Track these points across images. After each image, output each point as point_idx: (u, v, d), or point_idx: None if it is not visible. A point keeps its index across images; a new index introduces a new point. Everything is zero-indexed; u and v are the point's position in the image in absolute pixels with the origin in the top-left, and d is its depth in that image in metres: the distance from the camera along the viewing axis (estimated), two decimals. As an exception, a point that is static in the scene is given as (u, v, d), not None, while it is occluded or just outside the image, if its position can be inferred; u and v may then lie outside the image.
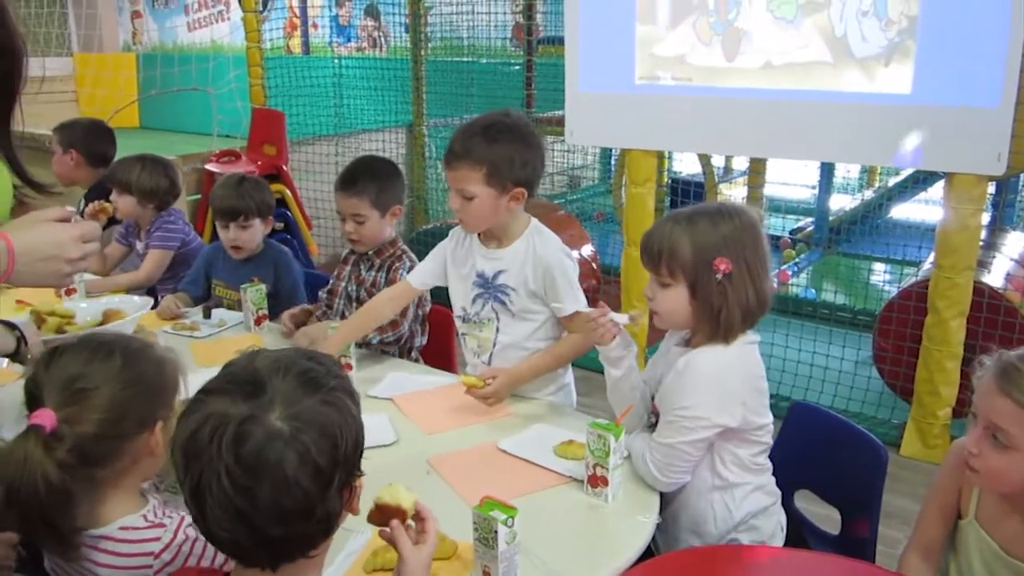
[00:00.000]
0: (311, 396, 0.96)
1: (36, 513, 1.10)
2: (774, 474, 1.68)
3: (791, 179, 7.18)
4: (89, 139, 3.27)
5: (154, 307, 3.02)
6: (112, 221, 3.05)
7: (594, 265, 4.70)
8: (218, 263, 2.75)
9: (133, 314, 2.24)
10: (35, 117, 7.86)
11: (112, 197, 2.93)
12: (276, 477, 0.91)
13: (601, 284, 4.58)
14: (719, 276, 1.51)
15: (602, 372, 1.76)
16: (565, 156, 6.70)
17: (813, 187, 6.60)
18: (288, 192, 4.70)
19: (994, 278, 3.32)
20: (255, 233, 2.67)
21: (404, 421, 1.90)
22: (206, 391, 0.98)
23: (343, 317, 2.47)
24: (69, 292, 2.72)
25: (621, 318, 1.67)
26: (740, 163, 6.75)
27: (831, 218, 5.74)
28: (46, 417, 1.13)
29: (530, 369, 1.99)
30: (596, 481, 1.54)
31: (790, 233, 5.89)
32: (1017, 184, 4.91)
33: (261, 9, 9.44)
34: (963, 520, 1.44)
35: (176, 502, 1.36)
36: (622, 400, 1.70)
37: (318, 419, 0.95)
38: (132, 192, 2.90)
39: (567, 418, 1.91)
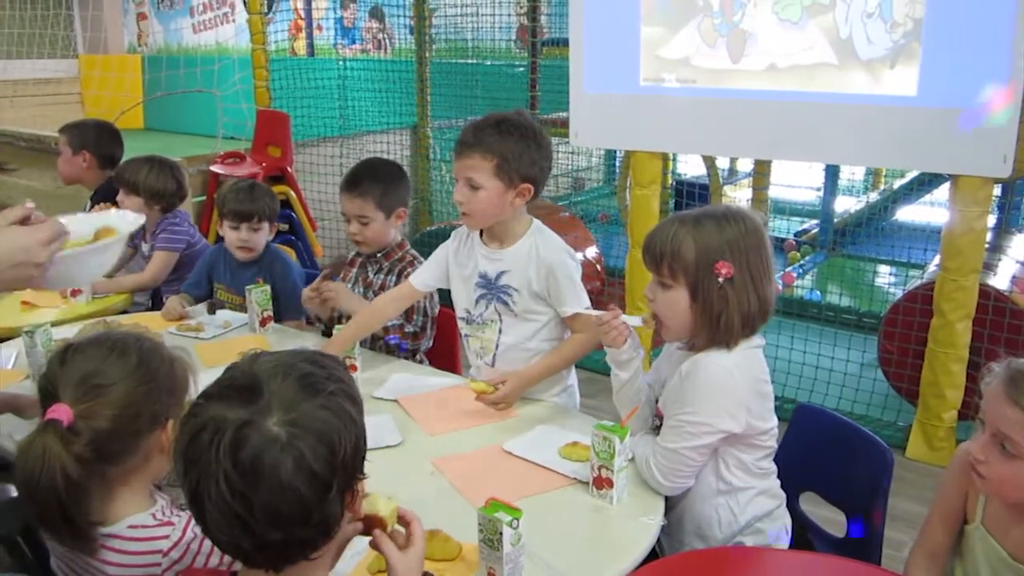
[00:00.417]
0: (310, 400, 0.96)
1: (54, 506, 1.11)
2: (779, 476, 1.68)
3: (796, 181, 7.17)
4: (101, 141, 3.28)
5: (155, 308, 3.05)
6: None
7: (598, 267, 4.70)
8: (220, 266, 2.75)
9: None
10: (40, 119, 7.88)
11: (119, 198, 2.94)
12: (272, 483, 0.91)
13: (605, 286, 4.57)
14: (720, 280, 1.51)
15: (606, 374, 1.75)
16: (570, 158, 6.71)
17: (818, 189, 6.60)
18: (293, 194, 4.71)
19: (1000, 280, 3.31)
20: (263, 236, 2.70)
21: (409, 422, 1.90)
22: (206, 396, 0.98)
23: (350, 319, 2.47)
24: (75, 294, 2.74)
25: (633, 320, 1.67)
26: (744, 165, 6.75)
27: (836, 220, 5.73)
28: (63, 412, 1.14)
29: (539, 371, 1.98)
30: (601, 483, 1.54)
31: (795, 235, 5.89)
32: (1023, 186, 4.90)
33: (266, 11, 9.47)
34: (969, 525, 1.44)
35: (178, 496, 1.37)
36: (628, 402, 1.70)
37: (316, 425, 0.94)
38: (139, 193, 2.91)
39: (572, 420, 1.91)
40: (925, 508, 1.65)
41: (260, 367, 0.98)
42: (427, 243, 4.38)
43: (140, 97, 8.31)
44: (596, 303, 1.92)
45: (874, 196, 6.29)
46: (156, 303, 3.10)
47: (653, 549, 1.48)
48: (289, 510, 0.92)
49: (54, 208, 4.38)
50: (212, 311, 2.58)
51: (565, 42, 6.06)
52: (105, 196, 3.16)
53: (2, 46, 8.09)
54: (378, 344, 2.38)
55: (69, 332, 2.28)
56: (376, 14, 8.66)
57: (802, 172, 6.81)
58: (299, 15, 8.48)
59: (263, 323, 2.47)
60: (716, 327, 1.52)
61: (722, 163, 6.29)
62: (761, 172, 4.61)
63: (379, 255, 2.44)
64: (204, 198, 4.74)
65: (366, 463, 1.03)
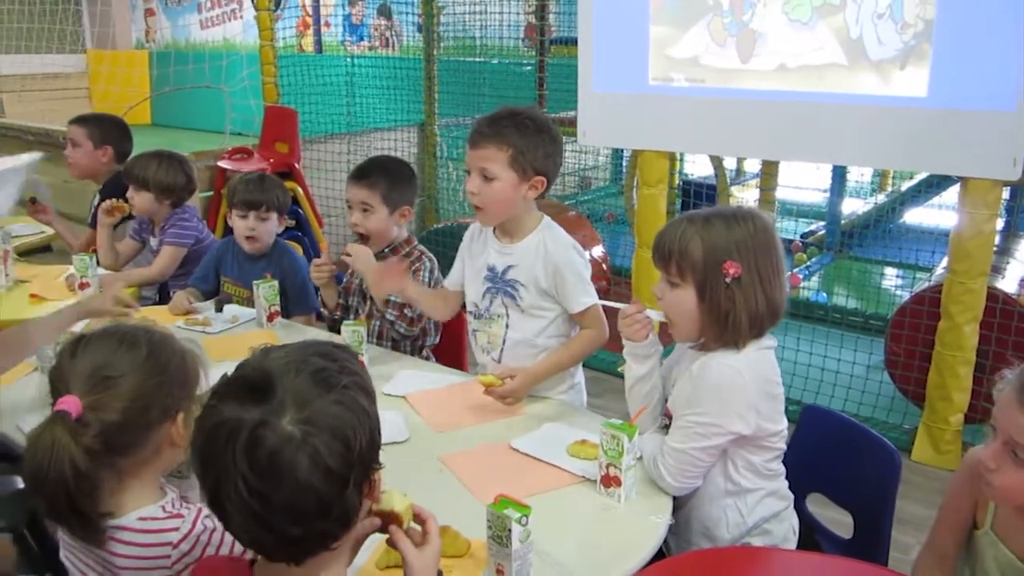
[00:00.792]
0: (323, 396, 0.96)
1: (62, 498, 1.11)
2: (786, 477, 1.68)
3: (803, 183, 7.15)
4: (122, 137, 3.30)
5: (162, 302, 3.05)
6: (125, 217, 3.06)
7: (604, 266, 4.69)
8: (228, 260, 2.76)
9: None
10: (49, 113, 7.88)
11: (128, 193, 2.94)
12: (289, 482, 0.92)
13: (611, 285, 4.57)
14: (727, 280, 1.51)
15: (611, 373, 1.76)
16: (577, 157, 6.70)
17: (825, 191, 6.58)
18: (300, 190, 4.71)
19: (1008, 283, 3.30)
20: (271, 227, 2.70)
21: (416, 419, 1.90)
22: (219, 394, 0.98)
23: (357, 315, 2.48)
24: (83, 286, 2.74)
25: (656, 315, 1.67)
26: (752, 165, 6.74)
27: (843, 222, 5.72)
28: (72, 403, 1.14)
29: (547, 367, 1.99)
30: (609, 481, 1.54)
31: (801, 236, 5.87)
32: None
33: (274, 8, 9.47)
34: (979, 530, 1.43)
35: (183, 487, 1.37)
36: (641, 399, 1.70)
37: (330, 421, 0.95)
38: (149, 188, 2.91)
39: (579, 417, 1.91)
40: (930, 511, 1.64)
41: (272, 363, 0.98)
42: (433, 241, 4.38)
43: (148, 92, 8.33)
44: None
45: (881, 198, 6.28)
46: (163, 297, 3.10)
47: (660, 548, 1.48)
48: (307, 506, 0.93)
49: (64, 203, 4.39)
50: (219, 308, 2.57)
51: (573, 41, 6.08)
52: (114, 190, 3.17)
53: (11, 40, 8.12)
54: (375, 324, 2.39)
55: (77, 325, 2.30)
56: (384, 11, 8.67)
57: (809, 173, 6.80)
58: (307, 12, 8.49)
59: (270, 318, 2.47)
60: (724, 327, 1.52)
61: (729, 163, 6.28)
62: (769, 173, 4.60)
63: (387, 250, 2.44)
64: (211, 193, 4.74)
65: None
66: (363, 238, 2.41)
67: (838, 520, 1.86)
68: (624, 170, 7.92)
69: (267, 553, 0.99)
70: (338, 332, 2.56)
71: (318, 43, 8.63)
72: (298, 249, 3.64)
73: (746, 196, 6.41)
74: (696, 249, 1.53)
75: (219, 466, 0.93)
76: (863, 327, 4.08)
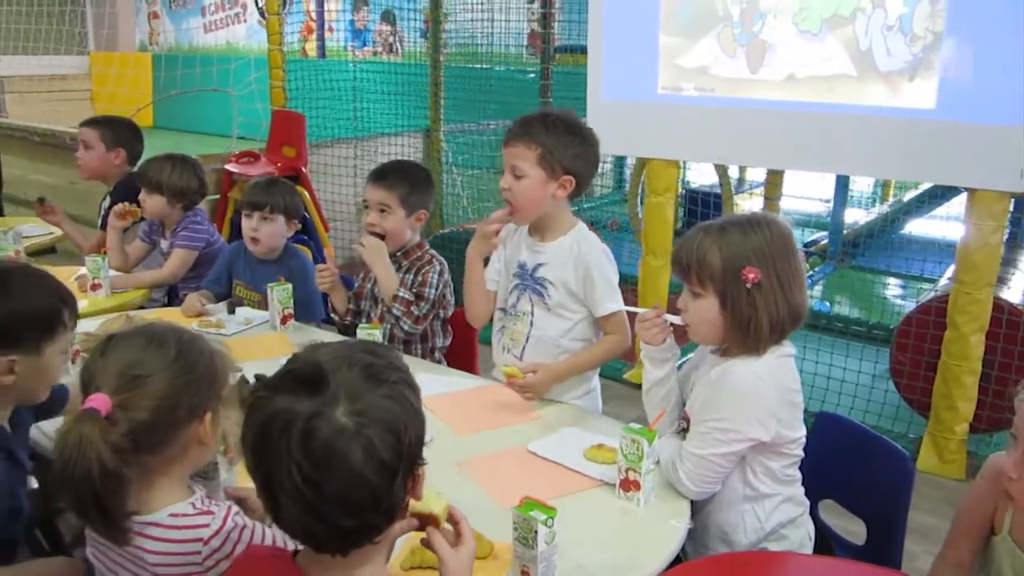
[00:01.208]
0: (374, 390, 0.98)
1: (89, 495, 1.12)
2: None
3: (805, 192, 7.18)
4: (135, 139, 3.32)
5: (171, 304, 3.06)
6: (135, 221, 3.07)
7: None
8: (240, 263, 2.77)
9: None
10: (51, 115, 7.89)
11: (141, 196, 2.95)
12: (343, 472, 0.94)
13: (616, 292, 4.58)
14: (748, 286, 1.52)
15: (621, 381, 1.77)
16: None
17: (827, 200, 6.61)
18: (306, 194, 4.72)
19: (1013, 294, 3.32)
20: (276, 229, 2.70)
21: (435, 422, 1.91)
22: (270, 387, 1.00)
23: (369, 319, 2.49)
24: (94, 287, 2.75)
25: (675, 319, 1.68)
26: (755, 175, 6.78)
27: (845, 232, 5.74)
28: (101, 401, 1.15)
29: (568, 368, 2.02)
30: (628, 485, 1.55)
31: (804, 246, 5.90)
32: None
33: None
34: (996, 536, 1.45)
35: (210, 488, 1.38)
36: (657, 402, 1.71)
37: (382, 414, 0.97)
38: (162, 192, 2.92)
39: (595, 422, 1.93)
40: (936, 520, 1.66)
41: (323, 357, 1.00)
42: (438, 246, 4.35)
43: (150, 95, 8.35)
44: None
45: (883, 208, 6.31)
46: (172, 299, 3.11)
47: (677, 555, 1.49)
48: (359, 497, 0.95)
49: (68, 204, 4.39)
50: (232, 311, 2.59)
51: (578, 49, 6.15)
52: (125, 192, 3.18)
53: (15, 41, 8.13)
54: (386, 327, 2.40)
55: (91, 325, 2.31)
56: (388, 17, 8.70)
57: (812, 183, 6.82)
58: (311, 17, 8.52)
59: (284, 321, 2.48)
60: (746, 333, 1.54)
61: (732, 173, 6.30)
62: (774, 183, 4.63)
63: (398, 254, 2.45)
64: (218, 197, 4.75)
65: None
66: (378, 238, 2.43)
67: (849, 527, 1.87)
68: (627, 178, 7.97)
69: (317, 544, 1.01)
70: (346, 335, 2.59)
71: (321, 48, 8.67)
72: (307, 253, 3.64)
73: (750, 205, 6.44)
74: (715, 258, 1.54)
75: (272, 456, 0.95)
76: (866, 336, 4.10)
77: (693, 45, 3.41)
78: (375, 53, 8.65)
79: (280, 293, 2.46)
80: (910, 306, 4.45)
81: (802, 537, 1.63)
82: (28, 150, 5.55)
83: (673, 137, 3.53)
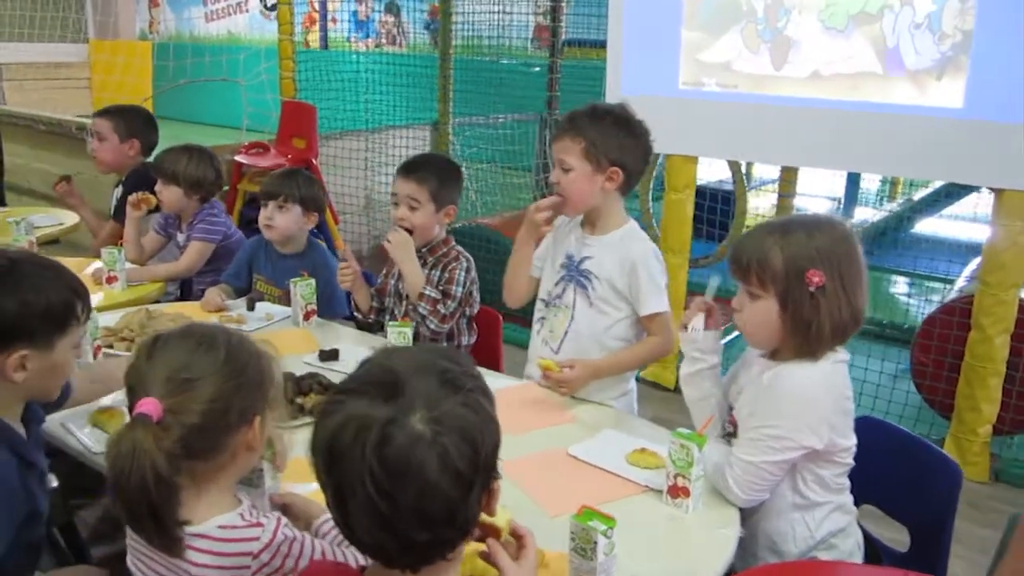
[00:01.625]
0: (451, 397, 0.94)
1: (143, 505, 1.08)
2: (845, 490, 1.66)
3: (812, 190, 7.14)
4: (148, 129, 3.26)
5: (184, 297, 3.01)
6: (150, 210, 3.01)
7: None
8: (261, 257, 2.72)
9: None
10: (49, 102, 7.81)
11: (157, 188, 2.90)
12: (419, 482, 0.90)
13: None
14: (811, 289, 1.48)
15: (652, 384, 1.73)
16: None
17: (834, 198, 6.58)
18: (317, 186, 4.67)
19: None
20: (291, 219, 2.64)
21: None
22: (345, 391, 0.96)
23: (393, 316, 2.45)
24: (110, 280, 2.71)
25: (699, 323, 1.65)
26: (762, 171, 6.72)
27: (856, 231, 5.71)
28: (152, 406, 1.11)
29: (609, 365, 1.99)
30: (677, 492, 1.51)
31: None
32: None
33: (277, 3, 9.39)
34: None
35: (253, 496, 1.34)
36: (695, 391, 1.67)
37: (459, 422, 0.93)
38: (179, 183, 2.87)
39: (635, 425, 1.89)
40: (958, 521, 1.64)
41: (398, 363, 0.96)
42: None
43: (150, 83, 8.27)
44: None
45: (894, 206, 6.29)
46: (185, 292, 3.06)
47: (731, 563, 1.46)
48: (434, 510, 0.91)
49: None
50: (251, 307, 2.53)
51: (587, 43, 6.09)
52: (137, 182, 3.13)
53: (13, 28, 8.05)
54: (409, 309, 2.37)
55: (110, 320, 2.26)
56: (392, 8, 8.64)
57: (819, 180, 6.79)
58: (313, 7, 8.45)
59: (307, 317, 2.43)
60: (806, 337, 1.50)
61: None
62: (788, 180, 4.58)
63: (424, 250, 2.41)
64: (227, 188, 4.69)
65: None
66: (406, 233, 2.39)
67: (887, 533, 1.84)
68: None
69: (388, 559, 0.96)
70: (368, 331, 2.55)
71: (324, 39, 8.60)
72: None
73: (759, 203, 6.39)
74: (777, 259, 1.50)
75: (346, 463, 0.91)
76: (881, 336, 4.08)
77: (716, 40, 3.36)
78: (378, 44, 8.58)
79: (303, 288, 2.42)
80: (924, 306, 4.44)
81: (852, 546, 1.60)
82: (32, 138, 5.47)
83: (694, 133, 3.49)
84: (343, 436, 0.91)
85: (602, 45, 6.04)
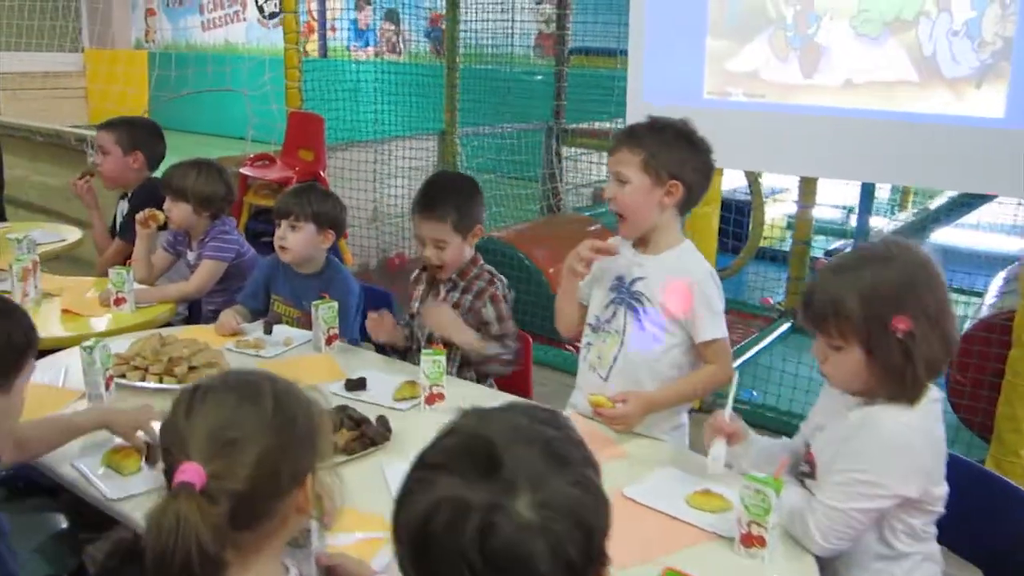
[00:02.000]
0: (559, 475, 0.82)
1: None
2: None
3: (822, 198, 7.03)
4: (153, 141, 3.12)
5: (192, 318, 2.88)
6: (158, 227, 2.89)
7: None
8: (279, 277, 2.59)
9: None
10: (44, 112, 7.68)
11: (166, 206, 2.77)
12: None
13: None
14: (899, 335, 1.36)
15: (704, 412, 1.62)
16: (591, 168, 6.58)
17: (842, 207, 6.48)
18: (323, 199, 4.54)
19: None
20: (304, 238, 2.49)
21: (510, 460, 1.75)
22: (432, 465, 0.83)
23: (429, 342, 2.32)
24: (118, 302, 2.58)
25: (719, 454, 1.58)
26: (773, 180, 6.61)
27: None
28: (195, 473, 0.97)
29: (666, 396, 1.87)
30: (751, 541, 1.39)
31: (826, 254, 5.75)
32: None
33: (278, 11, 9.30)
34: None
35: (298, 557, 1.21)
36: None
37: (570, 505, 0.81)
38: (188, 200, 2.74)
39: (692, 462, 1.75)
40: None
41: (494, 431, 0.84)
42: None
43: (146, 92, 8.15)
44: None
45: (905, 215, 6.18)
46: (194, 313, 2.94)
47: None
48: None
49: (73, 207, 4.19)
50: (268, 330, 2.40)
51: (593, 51, 5.99)
52: (145, 197, 3.01)
53: (8, 37, 7.92)
54: (468, 374, 2.24)
55: (121, 346, 2.13)
56: (392, 17, 8.53)
57: (829, 188, 6.69)
58: (312, 16, 8.34)
59: (329, 342, 2.31)
60: (901, 384, 1.37)
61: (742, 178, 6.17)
62: (808, 190, 4.48)
63: (453, 275, 2.30)
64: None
65: None
66: (438, 270, 2.28)
67: (954, 571, 1.72)
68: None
69: None
70: (384, 353, 2.42)
71: (323, 47, 8.49)
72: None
73: (772, 213, 6.29)
74: (853, 306, 1.37)
75: (439, 555, 0.79)
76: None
77: (742, 48, 3.25)
78: (377, 53, 8.47)
79: (325, 312, 2.29)
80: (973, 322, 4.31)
81: (939, 599, 1.48)
82: (30, 150, 5.33)
83: (720, 145, 3.29)
84: (435, 523, 0.79)
85: (608, 53, 5.98)
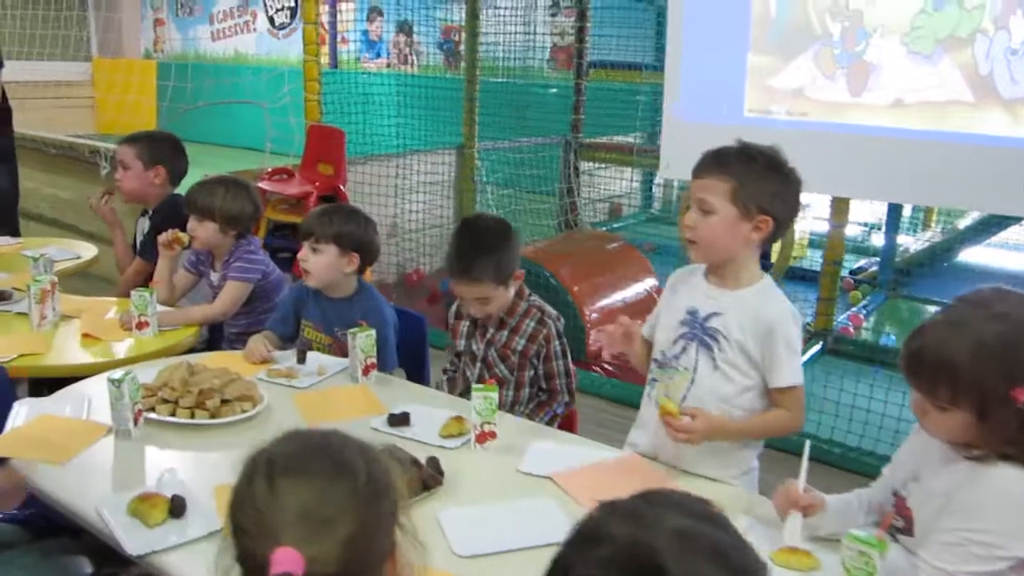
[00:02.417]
0: None
1: None
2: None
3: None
4: (175, 156, 3.01)
5: (213, 340, 2.76)
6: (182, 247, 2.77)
7: (657, 297, 4.43)
8: (309, 303, 2.46)
9: None
10: (53, 122, 7.58)
11: (190, 225, 2.65)
12: None
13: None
14: (1019, 405, 1.24)
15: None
16: (606, 182, 6.49)
17: (864, 224, 6.37)
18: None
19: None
20: (325, 261, 2.36)
21: (572, 506, 1.62)
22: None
23: (480, 379, 2.20)
24: (140, 326, 2.46)
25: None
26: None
27: (897, 259, 5.49)
28: (293, 562, 0.84)
29: (737, 428, 1.75)
30: (854, 607, 1.27)
31: (851, 273, 5.63)
32: None
33: (289, 22, 9.21)
34: None
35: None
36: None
37: None
38: (215, 219, 2.62)
39: (767, 513, 1.62)
40: None
41: (653, 535, 0.71)
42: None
43: (154, 102, 8.07)
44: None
45: (932, 234, 6.07)
46: (215, 336, 2.81)
47: None
48: None
49: (86, 220, 4.06)
50: (302, 359, 2.28)
51: (612, 65, 5.89)
52: (167, 215, 2.89)
53: (17, 46, 7.84)
54: (480, 370, 2.16)
55: (147, 376, 2.01)
56: (404, 29, 8.44)
57: (854, 205, 6.58)
58: (323, 27, 8.25)
59: (366, 371, 2.18)
60: (1013, 448, 1.26)
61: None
62: (841, 209, 4.36)
63: (502, 315, 2.21)
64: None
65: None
66: (487, 320, 2.22)
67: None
68: (653, 198, 7.72)
69: None
70: (422, 383, 2.31)
71: (333, 59, 8.40)
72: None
73: (797, 227, 6.19)
74: (966, 370, 1.25)
75: None
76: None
77: (787, 65, 3.15)
78: (389, 65, 8.39)
79: (363, 340, 2.17)
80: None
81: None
82: (42, 163, 5.22)
83: None
84: None
85: (628, 67, 5.90)
